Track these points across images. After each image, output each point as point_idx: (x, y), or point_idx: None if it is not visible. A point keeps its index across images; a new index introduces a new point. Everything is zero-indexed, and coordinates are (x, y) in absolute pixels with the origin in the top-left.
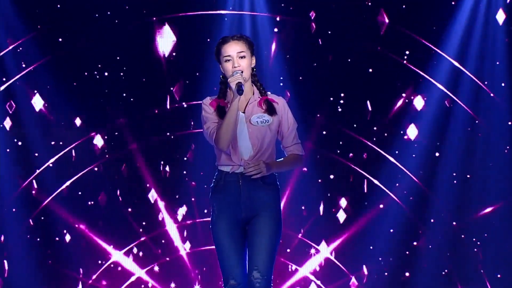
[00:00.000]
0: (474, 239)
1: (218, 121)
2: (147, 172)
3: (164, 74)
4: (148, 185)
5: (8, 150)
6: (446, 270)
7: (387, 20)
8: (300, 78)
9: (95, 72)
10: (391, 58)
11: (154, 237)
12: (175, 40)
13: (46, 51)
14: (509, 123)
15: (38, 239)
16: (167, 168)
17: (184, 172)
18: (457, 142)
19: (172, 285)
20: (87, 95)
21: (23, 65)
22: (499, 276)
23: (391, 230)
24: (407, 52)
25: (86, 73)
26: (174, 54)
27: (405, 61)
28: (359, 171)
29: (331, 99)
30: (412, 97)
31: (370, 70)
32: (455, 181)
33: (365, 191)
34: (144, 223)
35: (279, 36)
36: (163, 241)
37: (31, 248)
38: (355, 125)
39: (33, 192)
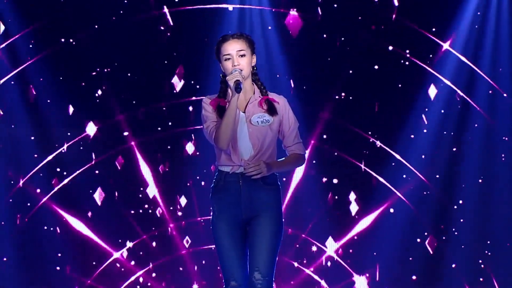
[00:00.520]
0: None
1: (218, 120)
2: (147, 169)
3: (166, 69)
4: (147, 182)
5: (1, 146)
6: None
7: (394, 15)
8: (305, 75)
9: (94, 67)
10: (398, 53)
11: (154, 236)
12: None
13: (43, 47)
14: None
15: (35, 239)
16: (167, 165)
17: (185, 169)
18: (465, 138)
19: (172, 285)
20: (85, 90)
21: (20, 60)
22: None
23: (398, 229)
24: (415, 48)
25: (84, 69)
26: (176, 48)
27: (413, 57)
28: (365, 168)
29: (336, 97)
30: (420, 93)
31: (376, 67)
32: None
33: (372, 189)
34: (143, 222)
35: (283, 31)
36: (163, 240)
37: (27, 248)
38: (360, 122)
39: (29, 190)
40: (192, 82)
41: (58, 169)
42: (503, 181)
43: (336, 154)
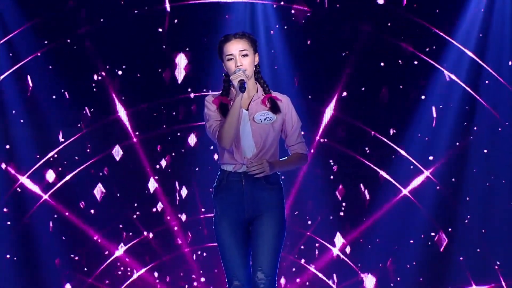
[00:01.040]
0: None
1: (221, 119)
2: (149, 166)
3: (168, 65)
4: (148, 179)
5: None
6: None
7: (399, 11)
8: (309, 72)
9: (94, 64)
10: (405, 49)
11: (156, 233)
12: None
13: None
14: None
15: (35, 236)
16: (170, 162)
17: (187, 166)
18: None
19: (173, 282)
20: (85, 87)
21: (18, 57)
22: None
23: (405, 227)
24: (422, 43)
25: (84, 65)
26: (178, 44)
27: (419, 52)
28: (370, 165)
29: (344, 94)
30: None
31: (382, 64)
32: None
33: (379, 187)
34: (145, 219)
35: (286, 27)
36: (165, 238)
37: (27, 247)
38: (366, 118)
39: (30, 187)
40: (194, 77)
41: (58, 166)
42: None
43: (341, 151)
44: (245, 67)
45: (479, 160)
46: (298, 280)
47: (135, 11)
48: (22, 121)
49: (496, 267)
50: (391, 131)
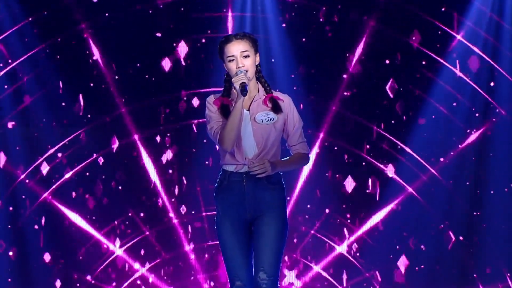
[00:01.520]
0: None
1: (222, 120)
2: (150, 163)
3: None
4: (150, 177)
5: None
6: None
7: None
8: (312, 71)
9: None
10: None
11: (158, 232)
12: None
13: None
14: None
15: (34, 234)
16: (172, 160)
17: (190, 164)
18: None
19: (175, 280)
20: (88, 83)
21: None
22: None
23: (410, 225)
24: (429, 39)
25: (87, 61)
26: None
27: (425, 48)
28: (376, 163)
29: (348, 91)
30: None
31: (387, 62)
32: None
33: (384, 184)
34: (147, 218)
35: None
36: (167, 236)
37: (27, 245)
38: (371, 116)
39: (31, 186)
40: (196, 72)
41: (61, 164)
42: None
43: (347, 148)
44: (247, 68)
45: (485, 158)
46: (302, 279)
47: (136, 7)
48: (20, 118)
49: (504, 268)
50: (397, 129)
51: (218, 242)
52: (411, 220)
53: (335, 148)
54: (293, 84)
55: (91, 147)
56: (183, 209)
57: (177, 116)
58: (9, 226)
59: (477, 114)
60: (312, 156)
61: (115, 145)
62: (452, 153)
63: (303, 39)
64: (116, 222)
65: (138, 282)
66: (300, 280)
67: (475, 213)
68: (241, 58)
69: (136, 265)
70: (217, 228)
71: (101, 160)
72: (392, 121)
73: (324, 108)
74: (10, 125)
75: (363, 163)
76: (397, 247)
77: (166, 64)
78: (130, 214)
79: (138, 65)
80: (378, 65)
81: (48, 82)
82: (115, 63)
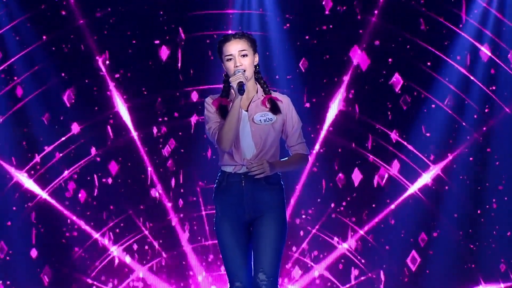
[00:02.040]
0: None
1: (220, 120)
2: (148, 161)
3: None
4: (149, 176)
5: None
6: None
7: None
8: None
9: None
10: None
11: (157, 231)
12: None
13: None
14: None
15: (34, 235)
16: (170, 158)
17: (189, 161)
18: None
19: (173, 279)
20: (84, 79)
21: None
22: None
23: (412, 225)
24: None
25: (84, 58)
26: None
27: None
28: (377, 162)
29: (349, 92)
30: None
31: (390, 60)
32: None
33: (386, 184)
34: (145, 217)
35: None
36: (165, 235)
37: (25, 244)
38: (373, 114)
39: (27, 185)
40: (194, 70)
41: (57, 163)
42: None
43: (348, 147)
44: (245, 67)
45: (488, 157)
46: (304, 278)
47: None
48: (16, 117)
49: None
50: (400, 128)
51: (216, 240)
52: (413, 220)
53: (336, 148)
54: (294, 83)
55: (88, 144)
56: (182, 208)
57: (177, 113)
58: (8, 221)
59: (486, 110)
60: (313, 156)
61: (113, 143)
62: (455, 151)
63: (306, 37)
64: (113, 221)
65: (136, 282)
66: (301, 281)
67: (479, 211)
68: (239, 57)
69: (134, 265)
70: (216, 229)
71: (98, 158)
72: (395, 120)
73: (325, 106)
74: (1, 119)
75: (366, 162)
76: (400, 246)
77: (165, 59)
78: (127, 213)
79: (135, 61)
80: (381, 63)
81: (44, 79)
82: (113, 60)
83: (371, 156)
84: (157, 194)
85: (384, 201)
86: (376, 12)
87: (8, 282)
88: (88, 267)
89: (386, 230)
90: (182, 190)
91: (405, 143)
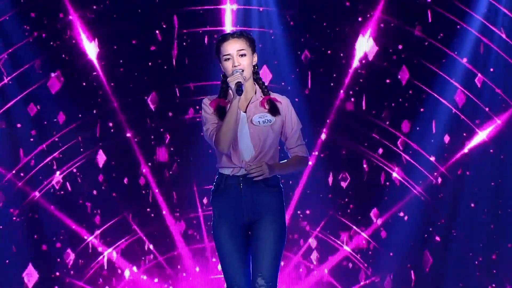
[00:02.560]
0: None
1: (218, 122)
2: (143, 161)
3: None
4: (144, 176)
5: None
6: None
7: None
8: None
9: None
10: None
11: (152, 233)
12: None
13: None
14: None
15: (26, 237)
16: (166, 158)
17: (186, 162)
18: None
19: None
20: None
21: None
22: None
23: (416, 227)
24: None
25: (78, 57)
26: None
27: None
28: (382, 163)
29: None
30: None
31: (395, 57)
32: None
33: (387, 184)
34: (140, 219)
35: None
36: (161, 237)
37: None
38: (376, 114)
39: (19, 186)
40: (190, 68)
41: (52, 164)
42: None
43: (349, 149)
44: (243, 67)
45: (492, 157)
46: (305, 281)
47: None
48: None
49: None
50: (404, 127)
51: (212, 243)
52: (415, 220)
53: (337, 147)
54: (295, 83)
55: (82, 145)
56: (177, 209)
57: (172, 112)
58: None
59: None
60: (314, 156)
61: (107, 143)
62: (461, 150)
63: (307, 35)
64: (108, 223)
65: (131, 284)
66: (303, 283)
67: (483, 216)
68: (237, 57)
69: (129, 267)
70: (213, 233)
71: (92, 159)
72: (399, 119)
73: (327, 105)
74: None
75: (369, 162)
76: (403, 248)
77: (161, 58)
78: (122, 215)
79: (131, 59)
80: (385, 60)
81: (35, 77)
82: (108, 59)
83: (374, 156)
84: (151, 196)
85: (389, 202)
86: (379, 7)
87: None
88: (80, 270)
89: (390, 232)
90: (178, 191)
91: (410, 143)
